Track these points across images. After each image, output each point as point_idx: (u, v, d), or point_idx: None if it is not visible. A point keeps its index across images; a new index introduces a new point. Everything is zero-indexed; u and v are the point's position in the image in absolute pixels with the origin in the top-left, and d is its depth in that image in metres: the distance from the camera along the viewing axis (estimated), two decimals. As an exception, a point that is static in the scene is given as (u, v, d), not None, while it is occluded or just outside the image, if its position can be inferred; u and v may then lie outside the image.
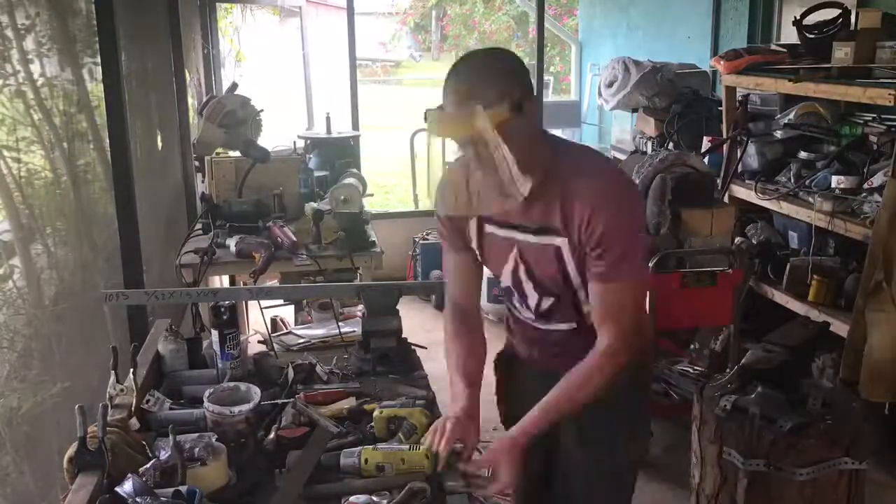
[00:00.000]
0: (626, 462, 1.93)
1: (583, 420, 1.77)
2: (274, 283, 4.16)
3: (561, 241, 1.65)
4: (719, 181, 4.15)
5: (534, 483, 1.96)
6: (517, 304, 1.83)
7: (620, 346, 1.67)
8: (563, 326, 1.79)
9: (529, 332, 1.88)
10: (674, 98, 5.04)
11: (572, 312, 1.75)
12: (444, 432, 1.66)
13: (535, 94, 1.61)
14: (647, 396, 2.12)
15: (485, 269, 1.88)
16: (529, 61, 13.02)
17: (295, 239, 3.17)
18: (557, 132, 7.16)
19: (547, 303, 1.75)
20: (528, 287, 1.75)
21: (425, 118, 1.57)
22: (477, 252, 1.80)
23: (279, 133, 4.24)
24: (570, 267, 1.67)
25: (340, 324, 2.66)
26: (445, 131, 1.58)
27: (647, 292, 2.78)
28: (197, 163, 3.89)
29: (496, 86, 1.52)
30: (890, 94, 3.05)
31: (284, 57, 6.87)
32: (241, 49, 5.84)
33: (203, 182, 3.85)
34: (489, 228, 1.74)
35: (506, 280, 1.78)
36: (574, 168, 1.65)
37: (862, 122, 3.83)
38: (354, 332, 2.58)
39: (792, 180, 3.79)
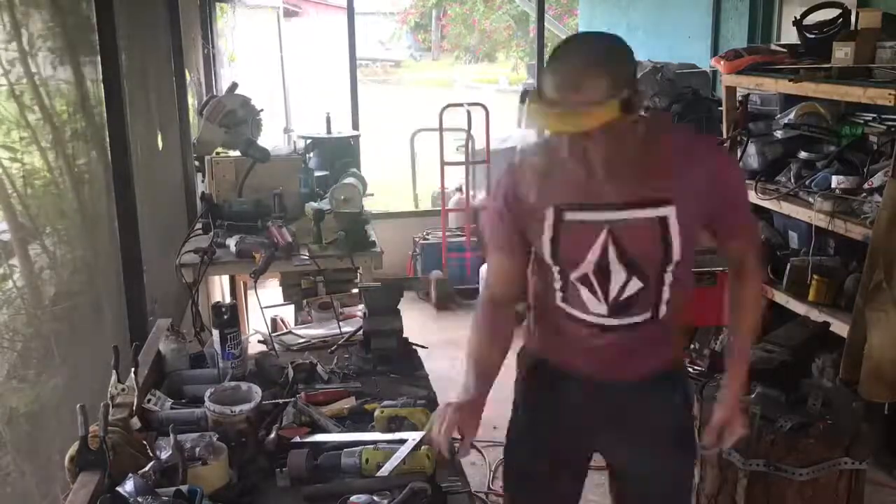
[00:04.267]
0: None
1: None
2: (274, 282, 4.17)
3: (668, 210, 1.63)
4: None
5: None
6: (588, 297, 1.72)
7: (757, 267, 1.81)
8: (636, 319, 1.72)
9: (585, 337, 1.76)
10: (674, 98, 5.04)
11: (653, 299, 1.72)
12: (444, 419, 1.65)
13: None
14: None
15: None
16: (529, 61, 13.00)
17: (290, 239, 3.16)
18: (557, 132, 7.18)
19: (633, 288, 1.69)
20: (617, 270, 1.67)
21: (530, 116, 1.53)
22: (548, 246, 1.71)
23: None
24: (675, 237, 1.65)
25: (341, 323, 2.66)
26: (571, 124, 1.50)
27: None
28: (197, 162, 3.89)
29: (618, 75, 1.48)
30: (890, 94, 3.05)
31: (274, 57, 6.90)
32: (234, 50, 5.85)
33: (203, 182, 3.85)
34: (570, 216, 1.67)
35: (586, 268, 1.69)
36: (674, 138, 1.70)
37: (862, 122, 3.83)
38: (355, 331, 2.58)
39: (792, 180, 3.79)
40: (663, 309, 1.73)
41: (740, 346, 1.82)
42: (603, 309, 1.72)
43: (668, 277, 1.70)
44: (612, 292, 1.70)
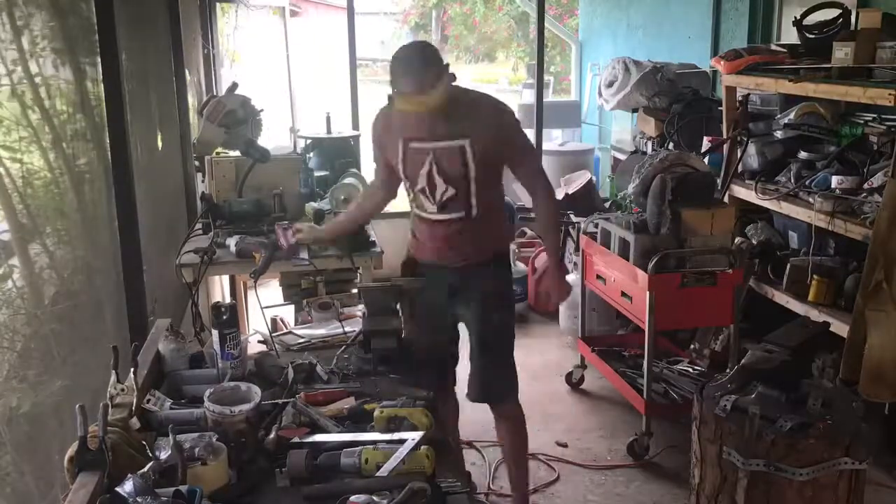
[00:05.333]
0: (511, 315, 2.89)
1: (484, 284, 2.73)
2: (274, 282, 4.17)
3: (465, 142, 2.55)
4: (719, 181, 4.15)
5: (444, 348, 2.84)
6: (424, 200, 2.66)
7: (548, 191, 2.77)
8: (455, 215, 2.64)
9: (428, 227, 2.71)
10: (674, 98, 5.04)
11: (464, 203, 2.63)
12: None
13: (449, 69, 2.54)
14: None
15: None
16: (529, 61, 12.98)
17: (293, 241, 3.16)
18: (558, 132, 7.18)
19: (449, 193, 2.61)
20: (439, 181, 2.59)
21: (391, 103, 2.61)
22: (400, 167, 2.66)
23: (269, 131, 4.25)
24: (470, 161, 2.56)
25: (341, 323, 2.66)
26: (416, 105, 2.48)
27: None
28: (197, 162, 3.89)
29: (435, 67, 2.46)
30: (890, 94, 3.05)
31: (277, 57, 6.90)
32: (237, 50, 5.85)
33: (203, 182, 3.85)
34: (412, 144, 2.61)
35: (421, 181, 2.62)
36: (471, 98, 2.63)
37: (862, 122, 3.83)
38: (355, 331, 2.58)
39: (792, 180, 3.79)
40: (473, 211, 2.63)
41: (546, 228, 2.85)
42: (433, 208, 2.66)
43: (473, 188, 2.60)
44: (437, 196, 2.62)
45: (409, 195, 2.77)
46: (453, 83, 2.54)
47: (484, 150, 2.57)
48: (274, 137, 4.02)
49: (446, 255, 2.72)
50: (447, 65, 2.52)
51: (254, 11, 6.42)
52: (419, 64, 2.46)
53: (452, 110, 2.54)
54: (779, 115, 4.13)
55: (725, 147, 4.28)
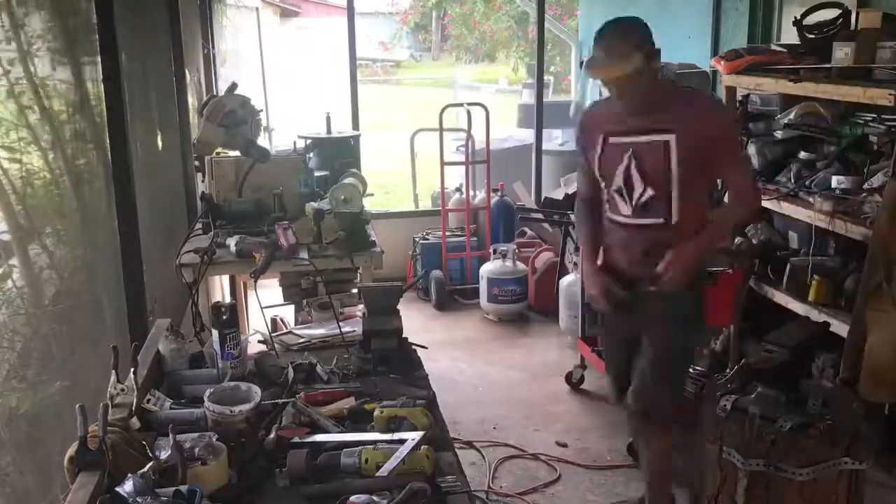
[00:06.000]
0: (696, 339, 2.84)
1: (669, 302, 2.49)
2: (274, 282, 4.17)
3: (670, 137, 2.34)
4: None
5: (624, 361, 2.72)
6: (620, 202, 2.48)
7: (749, 189, 2.54)
8: (654, 220, 2.44)
9: (622, 233, 2.52)
10: (674, 98, 5.03)
11: (665, 207, 2.42)
12: (599, 278, 2.60)
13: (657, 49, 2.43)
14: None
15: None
16: (529, 61, 13.01)
17: (295, 241, 3.16)
18: (557, 132, 7.17)
19: (647, 195, 2.41)
20: (637, 180, 2.40)
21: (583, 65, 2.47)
22: (596, 164, 2.51)
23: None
24: (674, 159, 2.35)
25: (341, 324, 2.66)
26: (602, 74, 2.41)
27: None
28: (197, 162, 3.88)
29: (636, 42, 2.36)
30: (890, 95, 3.05)
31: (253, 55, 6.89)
32: (226, 49, 5.83)
33: (203, 182, 3.85)
34: (612, 140, 2.45)
35: (618, 180, 2.45)
36: (682, 91, 2.59)
37: (862, 122, 3.82)
38: (355, 331, 2.58)
39: (792, 180, 3.79)
40: (674, 217, 2.42)
41: (723, 221, 2.66)
42: (628, 210, 2.48)
43: (675, 192, 2.38)
44: (634, 198, 2.44)
45: (604, 198, 2.59)
46: (660, 73, 2.42)
47: (692, 149, 2.35)
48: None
49: (636, 266, 2.52)
50: (657, 49, 2.37)
51: (237, 11, 6.43)
52: (621, 30, 2.36)
53: (658, 101, 2.38)
54: (779, 115, 4.13)
55: (725, 147, 4.27)
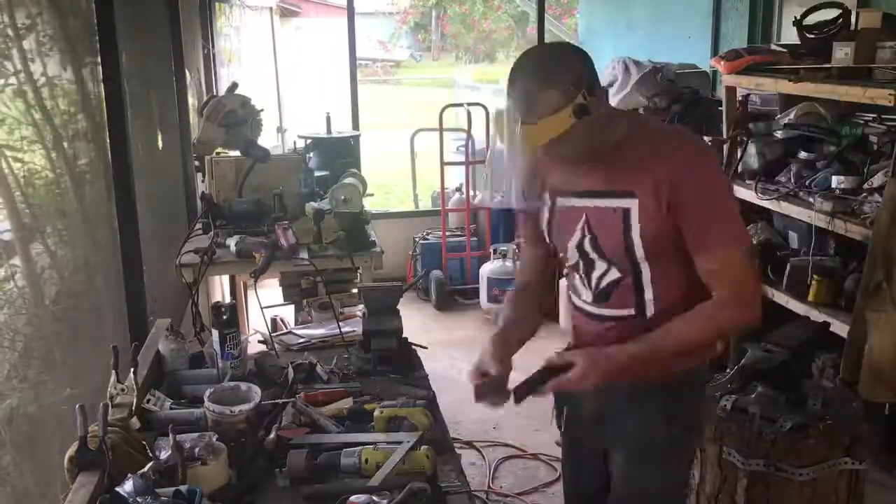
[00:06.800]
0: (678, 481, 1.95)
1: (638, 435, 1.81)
2: (274, 282, 4.17)
3: (631, 203, 1.66)
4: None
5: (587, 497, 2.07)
6: (578, 283, 1.84)
7: (730, 299, 1.66)
8: (621, 312, 1.77)
9: (585, 324, 1.86)
10: (674, 98, 5.03)
11: (632, 295, 1.74)
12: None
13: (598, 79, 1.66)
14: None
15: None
16: (529, 61, 12.96)
17: (294, 241, 3.17)
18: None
19: (610, 277, 1.75)
20: (595, 258, 1.76)
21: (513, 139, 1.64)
22: (545, 228, 1.84)
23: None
24: (635, 232, 1.67)
25: (341, 324, 2.66)
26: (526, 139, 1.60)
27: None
28: (197, 162, 3.89)
29: (566, 85, 1.56)
30: (890, 95, 3.05)
31: (266, 56, 6.91)
32: (231, 49, 5.85)
33: (203, 182, 3.85)
34: (560, 202, 1.79)
35: (572, 255, 1.80)
36: (649, 134, 1.72)
37: (862, 122, 3.83)
38: (355, 331, 2.58)
39: (792, 180, 3.79)
40: (650, 308, 1.74)
41: (647, 339, 1.69)
42: (588, 296, 1.83)
43: (646, 273, 1.72)
44: (594, 279, 1.79)
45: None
46: (610, 111, 1.71)
47: (661, 217, 1.65)
48: (262, 137, 4.02)
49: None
50: (598, 83, 1.61)
51: (246, 11, 6.44)
52: (542, 71, 1.58)
53: (613, 151, 1.67)
54: (779, 115, 4.13)
55: (725, 147, 4.27)
